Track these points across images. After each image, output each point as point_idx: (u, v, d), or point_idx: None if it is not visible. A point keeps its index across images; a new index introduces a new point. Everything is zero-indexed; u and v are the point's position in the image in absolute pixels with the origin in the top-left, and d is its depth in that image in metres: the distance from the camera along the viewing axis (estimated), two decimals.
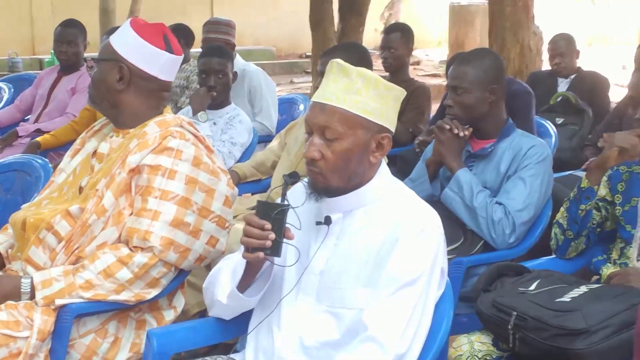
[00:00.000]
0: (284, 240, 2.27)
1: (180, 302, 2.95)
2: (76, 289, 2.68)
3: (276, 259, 2.33)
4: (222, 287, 2.45)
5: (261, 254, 2.27)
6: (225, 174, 2.93)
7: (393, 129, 2.38)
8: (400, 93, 2.39)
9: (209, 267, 2.98)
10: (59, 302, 2.66)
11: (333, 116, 2.29)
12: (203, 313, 3.42)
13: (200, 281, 3.20)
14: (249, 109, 5.63)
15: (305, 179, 2.38)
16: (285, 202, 2.29)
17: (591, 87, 6.04)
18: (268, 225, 2.25)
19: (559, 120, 5.56)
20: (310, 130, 2.34)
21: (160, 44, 2.87)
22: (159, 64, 2.89)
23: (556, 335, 2.65)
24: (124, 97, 2.89)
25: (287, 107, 6.10)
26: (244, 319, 2.52)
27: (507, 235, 3.38)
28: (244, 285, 2.41)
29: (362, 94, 2.30)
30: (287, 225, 2.28)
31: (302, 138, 4.20)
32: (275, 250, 2.27)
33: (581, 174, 4.52)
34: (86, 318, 2.75)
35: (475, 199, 3.41)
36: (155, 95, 2.93)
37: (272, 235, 2.24)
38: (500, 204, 3.41)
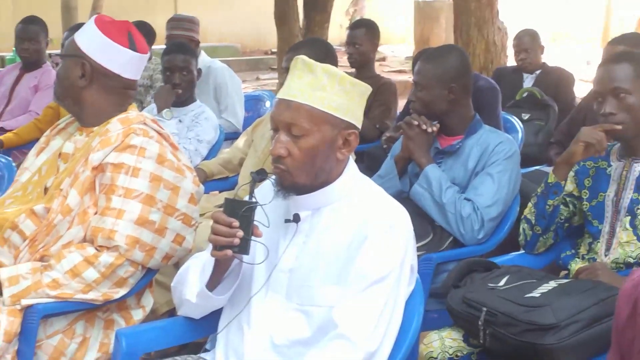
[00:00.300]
0: (252, 237, 2.25)
1: (148, 301, 2.92)
2: (43, 287, 2.64)
3: (245, 257, 2.31)
4: (190, 286, 2.42)
5: (229, 252, 2.24)
6: (191, 171, 2.91)
7: (359, 125, 2.37)
8: (365, 89, 2.37)
9: (177, 266, 2.95)
10: (25, 302, 2.62)
11: (299, 113, 2.27)
12: (172, 312, 3.38)
13: (168, 280, 3.16)
14: (215, 106, 5.59)
15: (273, 176, 2.35)
16: (253, 200, 2.27)
17: (556, 82, 6.07)
18: (236, 223, 2.23)
19: (525, 116, 5.59)
20: (276, 127, 2.32)
21: (124, 41, 2.84)
22: (122, 61, 2.85)
23: (526, 330, 2.65)
24: (87, 94, 2.86)
25: (253, 104, 6.07)
26: (214, 317, 2.49)
27: (476, 231, 3.38)
28: (212, 283, 2.39)
29: (327, 90, 2.28)
30: (255, 222, 2.26)
31: (269, 135, 4.16)
32: (243, 248, 2.25)
33: (548, 169, 4.54)
34: (53, 318, 2.72)
35: (444, 195, 3.41)
36: (119, 93, 2.89)
37: (240, 233, 2.22)
38: (468, 200, 3.41)
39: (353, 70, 5.52)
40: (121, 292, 2.74)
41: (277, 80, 10.43)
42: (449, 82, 3.52)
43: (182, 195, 2.82)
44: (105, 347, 2.78)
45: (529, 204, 3.25)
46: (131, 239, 2.69)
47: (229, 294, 2.40)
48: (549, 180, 3.17)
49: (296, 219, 2.35)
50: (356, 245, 2.27)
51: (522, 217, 3.28)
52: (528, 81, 6.19)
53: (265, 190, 2.37)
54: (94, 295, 2.68)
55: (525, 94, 5.80)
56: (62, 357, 2.74)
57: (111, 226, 2.68)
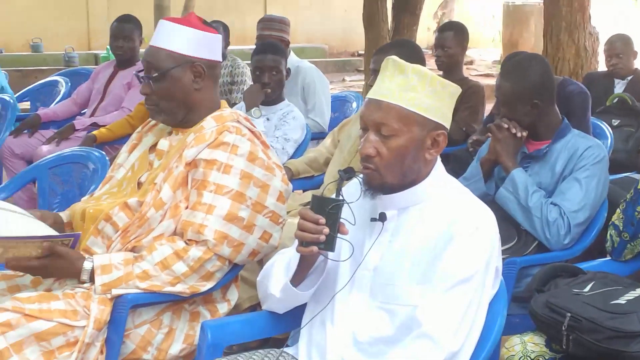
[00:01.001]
0: (338, 235, 2.28)
1: (234, 295, 2.98)
2: (133, 278, 2.71)
3: (330, 254, 2.34)
4: (275, 281, 2.47)
5: (315, 248, 2.28)
6: (280, 169, 2.95)
7: (448, 126, 2.38)
8: (455, 90, 2.39)
9: (261, 262, 3.00)
10: (115, 292, 2.70)
11: (389, 113, 2.29)
12: (254, 308, 3.44)
13: (252, 276, 3.23)
14: (302, 106, 5.65)
15: (361, 175, 2.38)
16: (340, 198, 2.29)
17: None
18: (322, 220, 2.26)
19: (615, 122, 5.50)
20: (366, 126, 2.35)
21: (207, 28, 2.92)
22: (215, 47, 2.95)
23: (611, 337, 2.62)
24: (201, 94, 2.93)
25: (339, 104, 6.11)
26: (297, 313, 2.53)
27: (562, 236, 3.35)
28: (297, 279, 2.42)
29: (417, 91, 2.30)
30: (341, 220, 2.29)
31: (355, 135, 4.21)
32: (329, 244, 2.28)
33: (637, 176, 4.47)
34: (141, 309, 2.79)
35: (530, 199, 3.38)
36: (217, 79, 3.00)
37: (326, 230, 2.25)
38: (555, 204, 3.38)
39: (441, 72, 5.51)
40: (208, 285, 2.79)
41: (363, 82, 10.46)
42: (531, 99, 3.49)
43: (271, 193, 2.87)
44: (191, 339, 2.84)
45: (618, 210, 3.21)
46: (220, 234, 2.75)
47: (312, 290, 2.44)
48: (639, 187, 3.13)
49: (382, 218, 2.37)
50: (442, 245, 2.28)
51: (610, 223, 3.24)
52: (619, 87, 6.10)
53: (353, 189, 2.40)
54: (181, 288, 2.74)
55: (615, 100, 5.72)
56: (148, 347, 2.80)
57: (201, 221, 2.74)
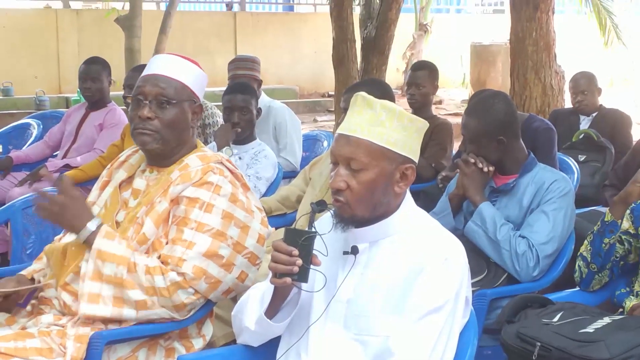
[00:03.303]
0: (311, 266, 2.32)
1: (209, 330, 3.00)
2: (124, 264, 2.75)
3: (303, 285, 2.38)
4: (250, 314, 2.50)
5: (288, 280, 2.32)
6: (261, 212, 3.02)
7: (417, 160, 2.44)
8: (423, 125, 2.45)
9: (234, 299, 3.03)
10: (106, 266, 2.75)
11: (358, 147, 2.35)
12: (229, 345, 3.45)
13: (226, 313, 3.25)
14: (274, 145, 5.70)
15: (333, 209, 2.43)
16: (313, 230, 2.34)
17: (613, 124, 6.09)
18: (295, 252, 2.30)
19: (582, 157, 5.60)
20: (336, 161, 2.40)
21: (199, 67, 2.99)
22: (204, 87, 3.03)
23: None
24: (190, 132, 3.01)
25: (310, 143, 6.17)
26: (272, 346, 2.56)
27: (531, 268, 3.41)
28: (271, 311, 2.46)
29: (386, 126, 2.36)
30: (314, 252, 2.33)
31: (327, 172, 4.26)
32: (302, 276, 2.32)
33: (603, 209, 4.55)
34: (117, 345, 2.80)
35: (498, 232, 3.44)
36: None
37: (300, 262, 2.29)
38: (523, 237, 3.44)
39: (412, 111, 5.58)
40: (177, 316, 2.81)
41: (334, 122, 10.53)
42: (496, 135, 3.57)
43: (251, 235, 2.92)
44: None
45: (585, 242, 3.28)
46: (198, 269, 2.79)
47: (287, 322, 2.47)
48: (606, 219, 3.20)
49: (354, 251, 2.42)
50: (413, 276, 2.33)
51: (578, 254, 3.31)
52: (585, 123, 6.21)
53: (325, 222, 2.45)
54: (154, 311, 2.78)
55: (581, 136, 5.82)
56: None
57: (180, 254, 2.78)
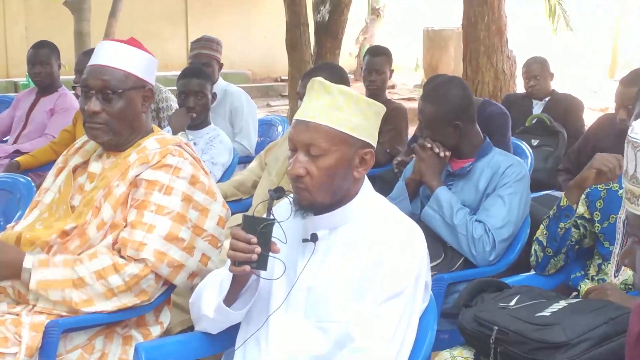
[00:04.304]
0: (270, 254, 2.31)
1: (166, 318, 2.98)
2: (70, 285, 2.70)
3: (262, 273, 2.36)
4: (208, 302, 2.48)
5: (247, 268, 2.30)
6: (220, 195, 2.99)
7: (375, 144, 2.43)
8: (380, 109, 2.44)
9: (192, 287, 3.00)
10: (51, 294, 2.69)
11: (317, 133, 2.33)
12: (186, 332, 3.42)
13: (183, 300, 3.22)
14: (230, 129, 5.66)
15: (291, 195, 2.41)
16: (271, 217, 2.32)
17: (565, 109, 6.14)
18: (254, 239, 2.28)
19: (535, 142, 5.64)
20: (295, 147, 2.38)
21: (151, 53, 2.96)
22: (155, 72, 3.00)
23: (537, 348, 2.69)
24: (144, 118, 2.97)
25: (265, 128, 6.14)
26: (231, 333, 2.54)
27: (488, 252, 3.43)
28: (230, 299, 2.44)
29: (344, 111, 2.34)
30: (273, 239, 2.31)
31: (283, 157, 4.24)
32: (261, 263, 2.30)
33: (557, 194, 4.60)
34: (73, 334, 2.77)
35: (455, 217, 3.46)
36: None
37: (258, 249, 2.28)
38: (480, 221, 3.46)
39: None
40: (137, 301, 2.78)
41: (287, 107, 10.50)
42: (452, 120, 3.58)
43: (211, 217, 2.90)
44: None
45: (541, 226, 3.30)
46: (159, 253, 2.76)
47: (246, 310, 2.45)
48: (561, 204, 3.22)
49: (314, 238, 2.40)
50: (373, 262, 2.32)
51: (534, 238, 3.33)
52: (537, 108, 6.25)
53: (283, 209, 2.43)
54: (110, 306, 2.74)
55: (534, 121, 5.86)
56: None
57: (141, 239, 2.75)
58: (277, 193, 2.36)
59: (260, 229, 2.29)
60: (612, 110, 4.86)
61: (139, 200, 2.81)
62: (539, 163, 5.32)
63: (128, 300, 2.76)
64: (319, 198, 2.36)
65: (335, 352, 2.31)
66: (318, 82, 2.38)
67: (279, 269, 2.39)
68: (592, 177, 3.09)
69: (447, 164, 3.66)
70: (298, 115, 2.39)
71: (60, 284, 2.70)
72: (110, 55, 2.90)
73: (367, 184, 2.46)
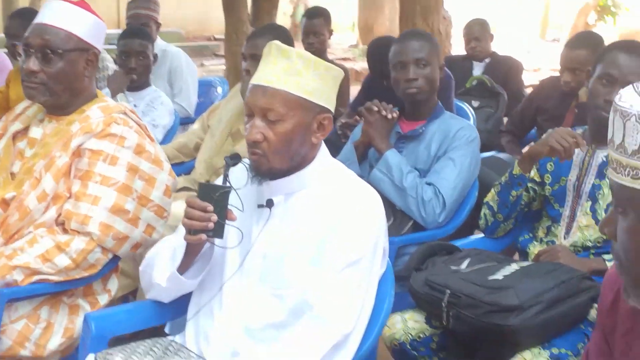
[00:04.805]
0: (227, 221, 2.26)
1: (114, 285, 2.91)
2: (10, 272, 2.61)
3: (218, 241, 2.31)
4: (160, 270, 2.42)
5: (203, 236, 2.25)
6: (167, 163, 2.91)
7: (333, 109, 2.39)
8: (338, 73, 2.39)
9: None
10: None
11: (275, 98, 2.28)
12: (127, 296, 3.36)
13: (125, 265, 3.16)
14: (169, 90, 5.56)
15: (247, 161, 2.36)
16: (227, 184, 2.27)
17: (505, 70, 6.16)
18: (210, 207, 2.23)
19: (475, 103, 5.65)
20: (251, 112, 2.32)
21: (99, 16, 2.86)
22: (103, 37, 2.91)
23: (489, 312, 2.70)
24: (86, 82, 2.87)
25: (205, 89, 6.03)
26: (182, 300, 2.50)
27: (437, 214, 3.42)
28: (183, 267, 2.39)
29: (302, 75, 2.29)
30: (229, 207, 2.27)
31: (227, 119, 4.18)
32: (217, 232, 2.25)
33: (502, 155, 4.63)
34: (18, 303, 2.69)
35: (405, 180, 3.44)
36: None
37: (215, 217, 2.23)
38: (430, 184, 3.45)
39: None
40: (85, 274, 2.72)
41: (223, 67, 10.38)
42: (441, 60, 3.62)
43: (157, 187, 2.83)
44: (70, 332, 2.76)
45: (492, 192, 3.29)
46: (105, 226, 2.69)
47: (199, 278, 2.40)
48: (514, 172, 3.20)
49: (269, 204, 2.36)
50: (330, 228, 2.28)
51: (484, 202, 3.33)
52: (477, 69, 6.26)
53: (238, 175, 2.38)
54: (60, 278, 2.67)
55: (475, 82, 5.86)
56: (26, 342, 2.70)
57: (86, 212, 2.67)
58: (234, 160, 2.31)
59: (216, 197, 2.24)
60: (545, 71, 4.91)
61: (83, 170, 2.73)
62: (480, 124, 5.32)
63: (76, 274, 2.69)
64: (276, 164, 2.31)
65: (292, 319, 2.28)
66: (275, 46, 2.32)
67: (235, 237, 2.34)
68: (546, 153, 3.08)
69: (398, 126, 3.63)
70: (255, 80, 2.33)
71: (3, 271, 2.62)
72: (55, 14, 2.80)
73: (324, 149, 2.42)
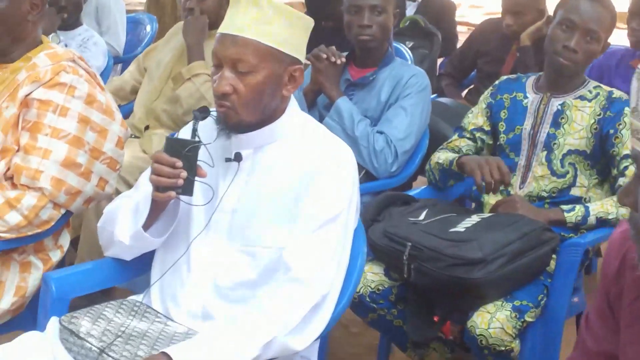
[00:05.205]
0: (197, 178, 2.17)
1: (66, 241, 2.78)
2: None
3: (188, 198, 2.22)
4: (123, 227, 2.32)
5: (173, 193, 2.15)
6: (119, 112, 2.78)
7: (303, 60, 2.30)
8: (309, 22, 2.29)
9: None
10: None
11: (246, 48, 2.17)
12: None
13: None
14: (96, 28, 5.32)
15: (214, 113, 2.26)
16: (196, 139, 2.18)
17: (438, 10, 6.10)
18: (179, 163, 2.13)
19: (409, 44, 5.56)
20: (220, 63, 2.20)
21: None
22: None
23: (453, 265, 2.69)
24: (30, 27, 2.69)
25: (132, 27, 5.78)
26: (144, 258, 2.40)
27: (390, 164, 3.37)
28: (147, 224, 2.28)
29: (274, 24, 2.19)
30: (198, 162, 2.17)
31: (166, 62, 4.04)
32: (187, 189, 2.16)
33: (444, 100, 4.59)
34: None
35: (356, 128, 3.37)
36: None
37: (184, 174, 2.13)
38: (381, 132, 3.39)
39: None
40: (38, 231, 2.60)
41: (140, 0, 10.04)
42: (394, 6, 3.53)
43: (109, 139, 2.70)
44: (22, 291, 2.63)
45: (435, 161, 3.21)
46: (56, 181, 2.55)
47: (166, 236, 2.31)
48: (453, 168, 3.14)
49: (238, 157, 2.26)
50: (304, 184, 2.21)
51: (428, 164, 3.27)
52: (410, 9, 6.19)
53: (205, 128, 2.27)
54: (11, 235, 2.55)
55: (408, 22, 5.79)
56: None
57: (37, 166, 2.53)
58: (202, 113, 2.21)
59: (185, 152, 2.14)
60: (463, 10, 4.88)
61: (32, 122, 2.58)
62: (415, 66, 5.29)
63: (28, 231, 2.56)
64: (246, 117, 2.21)
65: (265, 279, 2.21)
66: None
67: (204, 194, 2.25)
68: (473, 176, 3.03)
69: (348, 73, 3.55)
70: (224, 29, 2.21)
71: None
72: None
73: (293, 102, 2.34)
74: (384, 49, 3.57)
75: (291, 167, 2.25)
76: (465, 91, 5.07)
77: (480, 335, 2.66)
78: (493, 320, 2.67)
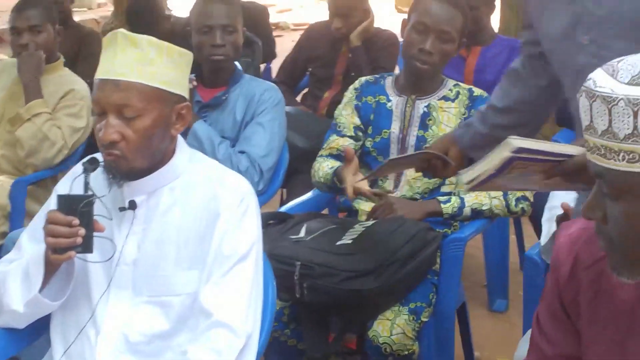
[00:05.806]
0: (95, 233, 2.05)
1: None
2: None
3: (90, 256, 2.10)
4: (14, 294, 2.14)
5: (73, 253, 2.03)
6: None
7: (187, 96, 2.22)
8: (190, 57, 2.22)
9: None
10: None
11: (130, 92, 2.06)
12: None
13: None
14: None
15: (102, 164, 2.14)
16: (90, 193, 2.06)
17: (252, 17, 6.03)
18: (76, 221, 2.01)
19: None
20: (104, 111, 2.09)
21: None
22: None
23: (347, 278, 2.68)
24: None
25: None
26: (38, 323, 2.24)
27: (256, 183, 3.31)
28: (41, 287, 2.14)
29: (156, 64, 2.10)
30: (95, 216, 2.06)
31: (9, 83, 3.81)
32: (86, 246, 2.04)
33: (289, 108, 4.56)
34: None
35: (217, 151, 3.29)
36: None
37: (82, 231, 2.02)
38: (243, 152, 3.33)
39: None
40: None
41: None
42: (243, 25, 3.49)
43: None
44: None
45: (318, 175, 3.17)
46: None
47: (65, 297, 2.17)
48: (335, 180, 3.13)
49: (132, 205, 2.16)
50: (207, 224, 2.13)
51: (313, 177, 3.24)
52: None
53: (97, 179, 2.14)
54: None
55: None
56: None
57: None
58: (92, 165, 2.10)
59: (80, 209, 2.03)
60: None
61: None
62: None
63: None
64: (138, 163, 2.11)
65: (181, 326, 2.12)
66: (122, 35, 2.09)
67: (101, 248, 2.13)
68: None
69: (197, 94, 3.46)
70: (103, 74, 2.09)
71: None
72: None
73: (180, 140, 2.25)
74: (232, 67, 3.51)
75: (190, 208, 2.17)
76: (300, 95, 5.08)
77: (384, 343, 2.68)
78: (394, 326, 2.70)
